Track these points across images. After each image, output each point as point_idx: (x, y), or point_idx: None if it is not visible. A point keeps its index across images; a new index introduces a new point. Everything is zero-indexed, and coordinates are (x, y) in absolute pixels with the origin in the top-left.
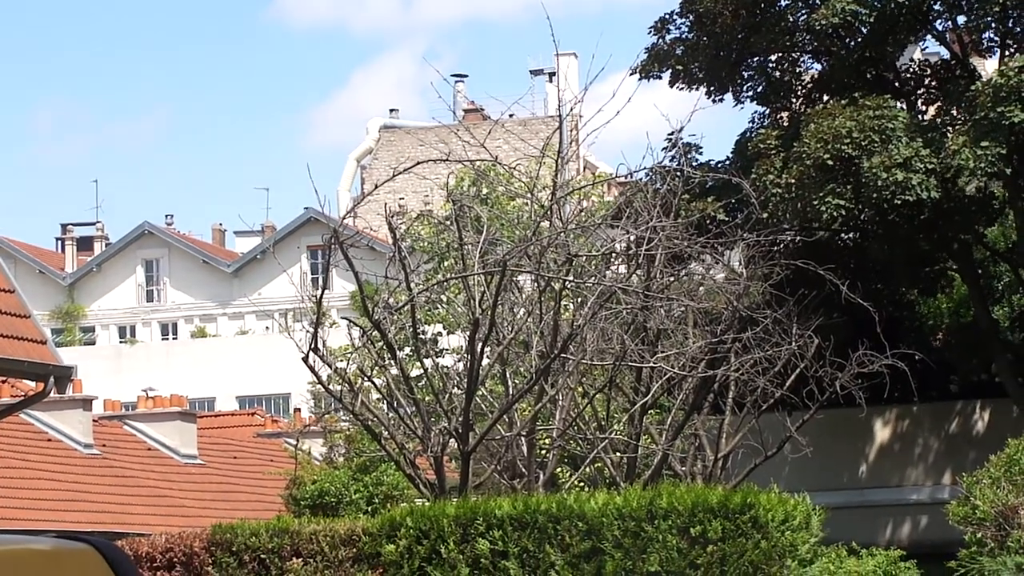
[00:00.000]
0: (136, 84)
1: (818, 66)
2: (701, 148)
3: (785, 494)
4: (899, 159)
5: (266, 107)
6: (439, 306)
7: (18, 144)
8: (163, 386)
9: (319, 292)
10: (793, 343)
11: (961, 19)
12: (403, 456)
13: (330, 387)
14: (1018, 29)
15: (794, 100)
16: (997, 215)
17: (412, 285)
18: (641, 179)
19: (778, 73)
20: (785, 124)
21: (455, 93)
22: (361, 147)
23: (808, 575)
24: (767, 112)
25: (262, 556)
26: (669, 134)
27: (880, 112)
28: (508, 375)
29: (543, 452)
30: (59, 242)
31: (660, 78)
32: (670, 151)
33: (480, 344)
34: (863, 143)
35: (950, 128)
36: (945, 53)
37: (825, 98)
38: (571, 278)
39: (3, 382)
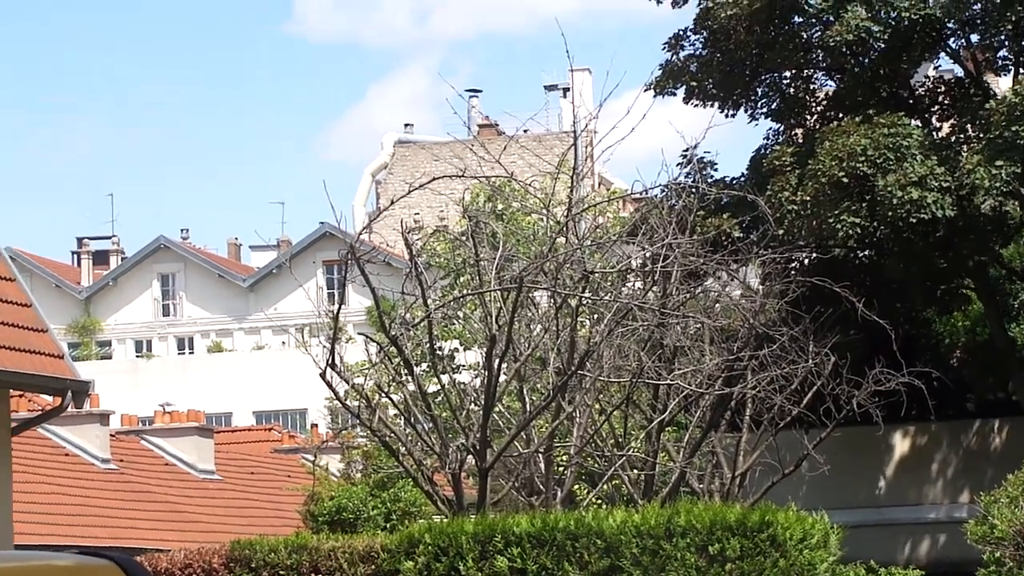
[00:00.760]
0: (152, 97)
1: (832, 83)
2: (716, 165)
3: (803, 512)
4: (914, 177)
5: (282, 121)
6: (455, 322)
7: (33, 157)
8: (180, 401)
9: (336, 307)
10: (810, 361)
11: (975, 37)
12: (421, 472)
13: (347, 403)
14: None
15: (808, 117)
16: (1013, 234)
17: (429, 301)
18: (656, 196)
19: (792, 90)
20: (800, 141)
21: (469, 108)
22: (376, 162)
23: None
24: (782, 129)
25: (281, 572)
26: (684, 150)
27: (895, 130)
28: (525, 392)
29: (561, 469)
30: (75, 256)
31: (675, 94)
32: (685, 167)
33: (497, 360)
34: (878, 161)
35: (965, 146)
36: (959, 71)
37: (840, 115)
38: (587, 295)
39: (20, 396)
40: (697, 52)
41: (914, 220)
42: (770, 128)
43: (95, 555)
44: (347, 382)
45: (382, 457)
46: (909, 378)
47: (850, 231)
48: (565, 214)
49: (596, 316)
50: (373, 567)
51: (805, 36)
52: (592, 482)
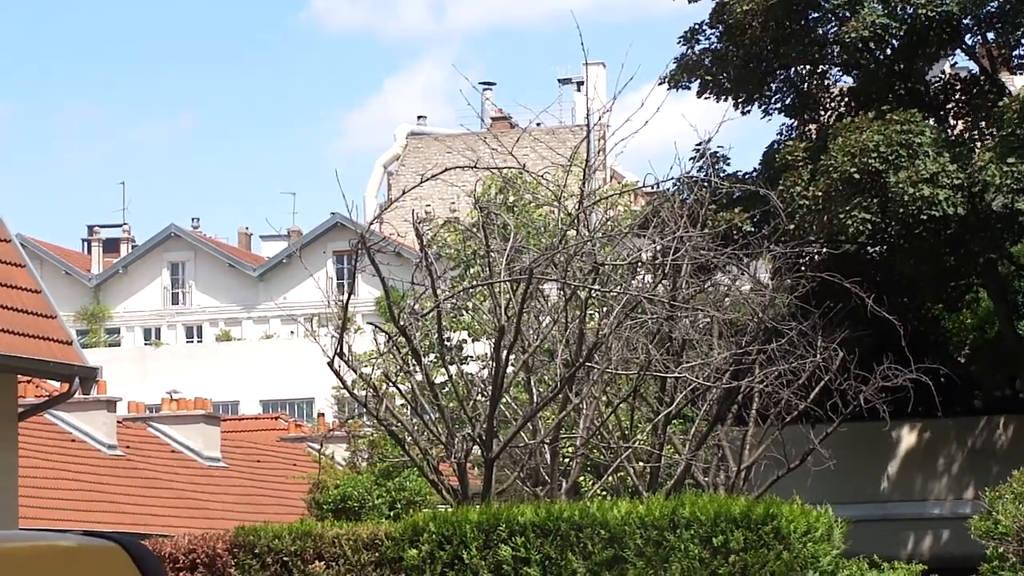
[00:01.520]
0: (166, 87)
1: (848, 79)
2: (729, 159)
3: (807, 506)
4: (926, 174)
5: (295, 112)
6: (465, 313)
7: (46, 146)
8: (187, 389)
9: (345, 297)
10: (818, 356)
11: (991, 35)
12: (426, 462)
13: (355, 392)
14: None
15: (823, 112)
16: (1023, 232)
17: (438, 291)
18: (668, 189)
19: (807, 85)
20: (813, 136)
21: (483, 101)
22: (388, 153)
23: None
24: (795, 124)
25: (284, 559)
26: (697, 144)
27: (907, 127)
28: (532, 383)
29: (566, 460)
30: (85, 243)
31: (689, 88)
32: (698, 161)
33: (505, 351)
34: (890, 157)
35: (977, 143)
36: (974, 68)
37: (854, 111)
38: (597, 287)
39: (28, 382)
40: (712, 46)
41: (925, 217)
42: (783, 123)
43: (100, 537)
44: (355, 371)
45: (388, 446)
46: (917, 374)
47: (861, 227)
48: (576, 206)
49: (605, 308)
50: (377, 555)
51: (821, 32)
52: (597, 474)
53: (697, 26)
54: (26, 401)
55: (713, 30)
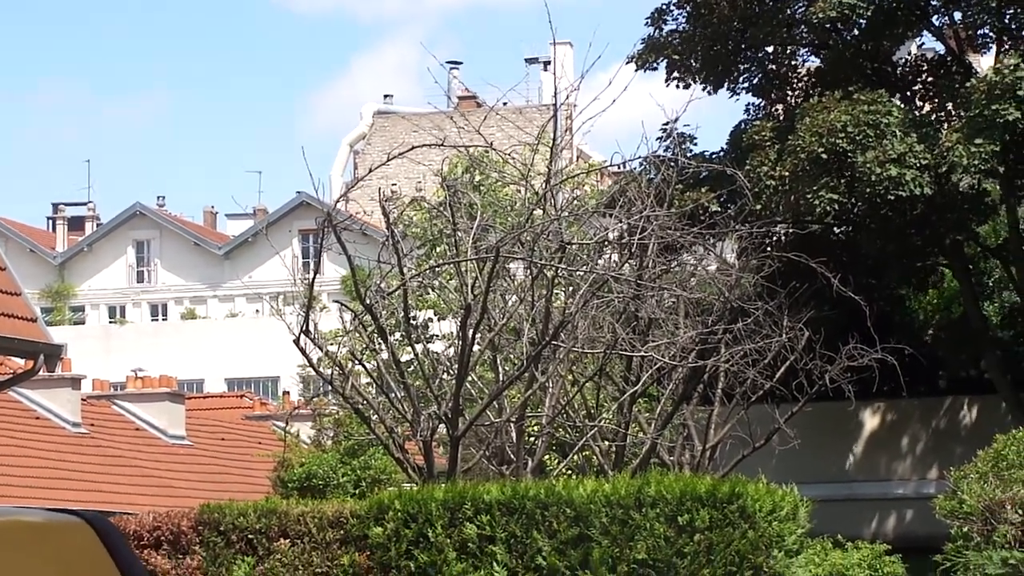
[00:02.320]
0: (132, 65)
1: (815, 59)
2: (695, 139)
3: (773, 485)
4: (893, 154)
5: (262, 91)
6: (431, 292)
7: (11, 123)
8: (152, 367)
9: (311, 275)
10: (784, 335)
11: (958, 15)
12: (392, 440)
13: (320, 370)
14: (1014, 26)
15: (790, 93)
16: (990, 212)
17: (404, 270)
18: (635, 168)
19: (774, 65)
20: (780, 116)
21: (449, 80)
22: (354, 132)
23: (794, 566)
24: (763, 104)
25: (249, 536)
26: (664, 124)
27: (875, 107)
28: (499, 361)
29: (532, 439)
30: (50, 221)
31: (656, 68)
32: (664, 141)
33: (471, 330)
34: (857, 137)
35: (945, 124)
36: (941, 49)
37: (822, 91)
38: (563, 266)
39: None
40: (680, 27)
41: (892, 197)
42: (751, 103)
43: (64, 513)
44: (321, 349)
45: (353, 425)
46: (882, 354)
47: (828, 207)
48: (543, 186)
49: (571, 287)
50: (342, 532)
51: (788, 12)
52: (563, 452)
53: (664, 6)
54: None
55: (680, 11)
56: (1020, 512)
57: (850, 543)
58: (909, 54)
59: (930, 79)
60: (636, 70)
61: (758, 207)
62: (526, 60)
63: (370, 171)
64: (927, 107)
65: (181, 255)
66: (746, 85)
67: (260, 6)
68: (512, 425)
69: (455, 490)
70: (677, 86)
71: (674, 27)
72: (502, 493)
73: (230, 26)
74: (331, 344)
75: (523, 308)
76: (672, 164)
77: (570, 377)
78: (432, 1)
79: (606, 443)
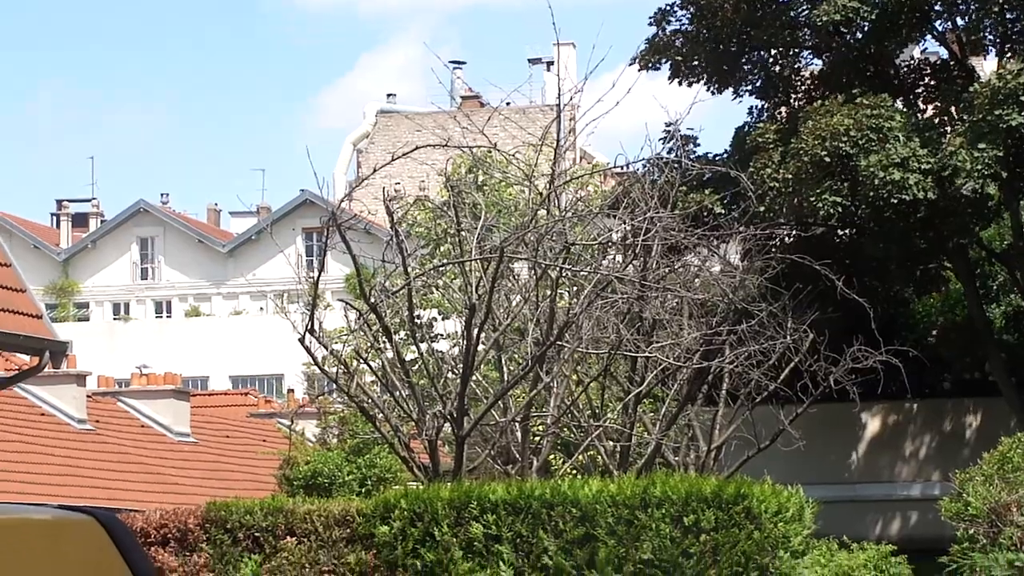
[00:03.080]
0: (137, 63)
1: (818, 62)
2: (699, 141)
3: (778, 486)
4: (896, 158)
5: (267, 90)
6: (435, 291)
7: (17, 120)
8: (156, 364)
9: (316, 273)
10: (788, 337)
11: (960, 20)
12: (397, 439)
13: (325, 368)
14: (1016, 30)
15: (793, 95)
16: (993, 216)
17: (409, 269)
18: (639, 170)
19: (778, 68)
20: (784, 119)
21: (453, 80)
22: (358, 131)
23: (800, 567)
24: (766, 106)
25: (256, 534)
26: (667, 125)
27: (878, 111)
28: (503, 361)
29: (537, 439)
30: (55, 218)
31: (659, 69)
32: (668, 143)
33: (476, 330)
34: (860, 141)
35: (948, 128)
36: (944, 53)
37: (824, 94)
38: (568, 266)
39: None
40: (683, 28)
41: (895, 201)
42: (754, 105)
43: (74, 510)
44: (326, 347)
45: (358, 423)
46: (886, 356)
47: (831, 210)
48: (547, 186)
49: (576, 288)
50: (348, 531)
51: (792, 14)
52: (568, 452)
53: (668, 7)
54: None
55: (684, 11)
56: None
57: (855, 544)
58: (912, 58)
59: (932, 83)
60: (640, 70)
61: (762, 209)
62: (529, 61)
63: (374, 171)
64: (930, 111)
65: (185, 252)
66: (749, 87)
67: (267, 4)
68: (517, 425)
69: (461, 489)
70: (680, 84)
71: (677, 27)
72: (508, 493)
73: (235, 25)
74: (336, 343)
75: (527, 308)
76: (676, 165)
77: (575, 377)
78: (434, 0)
79: (611, 443)
